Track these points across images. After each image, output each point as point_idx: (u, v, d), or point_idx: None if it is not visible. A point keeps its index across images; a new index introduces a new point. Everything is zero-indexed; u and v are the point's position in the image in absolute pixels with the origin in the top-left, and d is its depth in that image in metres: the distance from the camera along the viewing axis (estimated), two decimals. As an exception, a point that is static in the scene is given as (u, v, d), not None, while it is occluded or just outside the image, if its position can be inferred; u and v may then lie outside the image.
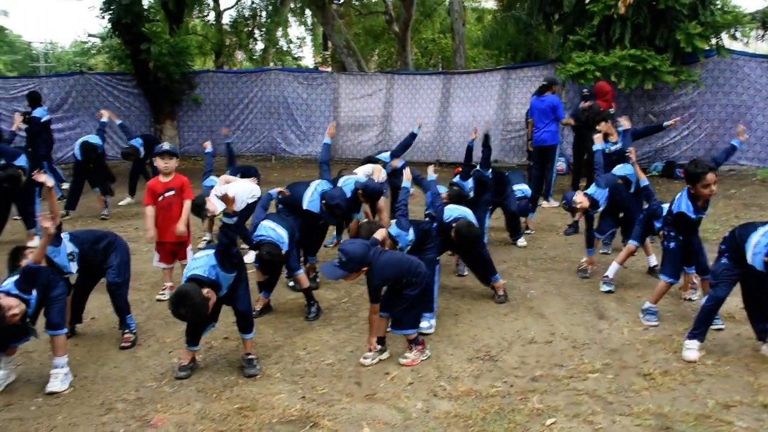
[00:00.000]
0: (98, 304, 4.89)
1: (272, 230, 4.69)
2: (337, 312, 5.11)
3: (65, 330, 3.91)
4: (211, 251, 3.81)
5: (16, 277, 3.69)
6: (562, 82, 11.54)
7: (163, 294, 5.38)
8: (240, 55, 25.84)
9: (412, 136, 7.49)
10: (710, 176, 4.40)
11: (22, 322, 3.63)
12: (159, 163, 5.25)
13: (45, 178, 4.13)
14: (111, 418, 3.43)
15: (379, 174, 6.40)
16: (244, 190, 6.09)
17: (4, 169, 6.93)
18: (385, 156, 7.75)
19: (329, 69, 21.63)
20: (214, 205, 5.76)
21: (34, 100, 10.51)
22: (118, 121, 9.90)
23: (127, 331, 4.46)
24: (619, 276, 5.69)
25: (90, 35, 28.28)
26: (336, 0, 19.11)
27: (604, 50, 10.89)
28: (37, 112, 10.28)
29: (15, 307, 3.51)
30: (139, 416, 3.44)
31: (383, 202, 7.02)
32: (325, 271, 4.00)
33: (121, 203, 9.79)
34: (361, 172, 6.54)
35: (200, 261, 3.76)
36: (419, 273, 4.09)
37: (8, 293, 3.57)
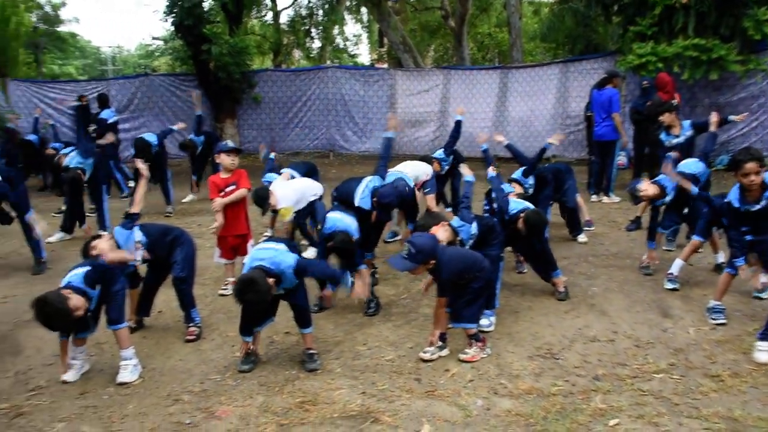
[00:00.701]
0: (165, 299, 5.02)
1: (340, 220, 4.81)
2: (397, 308, 5.13)
3: (125, 324, 4.05)
4: (277, 245, 3.90)
5: (84, 270, 3.82)
6: (623, 75, 11.26)
7: (225, 289, 5.51)
8: (297, 54, 26.14)
9: (458, 123, 7.51)
10: (750, 165, 4.22)
11: (85, 315, 3.78)
12: (225, 159, 5.37)
13: (141, 166, 4.36)
14: (178, 409, 3.53)
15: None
16: (307, 187, 6.19)
17: (66, 171, 7.28)
18: (439, 154, 7.75)
19: (385, 66, 21.68)
20: (277, 198, 5.90)
21: (103, 101, 10.91)
22: (198, 112, 10.15)
23: (192, 324, 4.59)
24: (684, 273, 5.52)
25: (154, 38, 29.16)
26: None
27: (666, 40, 10.55)
28: (105, 114, 10.66)
29: (81, 308, 3.67)
30: (204, 408, 3.53)
31: (432, 201, 7.01)
32: (393, 262, 4.04)
33: (184, 200, 10.05)
34: (409, 168, 6.55)
35: (266, 253, 3.84)
36: (483, 268, 4.09)
37: (75, 289, 3.72)
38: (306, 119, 15.53)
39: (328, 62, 23.78)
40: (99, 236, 4.42)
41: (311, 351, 4.05)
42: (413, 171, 6.55)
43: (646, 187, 5.53)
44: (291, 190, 6.12)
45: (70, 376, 3.94)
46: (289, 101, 15.55)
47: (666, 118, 7.23)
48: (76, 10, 67.09)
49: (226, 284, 5.54)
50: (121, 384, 3.86)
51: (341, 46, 26.99)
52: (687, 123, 7.23)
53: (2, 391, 3.87)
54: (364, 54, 33.28)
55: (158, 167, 9.11)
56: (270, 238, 4.47)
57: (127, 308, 4.31)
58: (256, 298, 3.65)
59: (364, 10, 23.63)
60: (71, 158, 7.48)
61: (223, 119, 14.93)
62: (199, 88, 14.99)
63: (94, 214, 7.99)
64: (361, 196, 5.42)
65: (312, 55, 24.90)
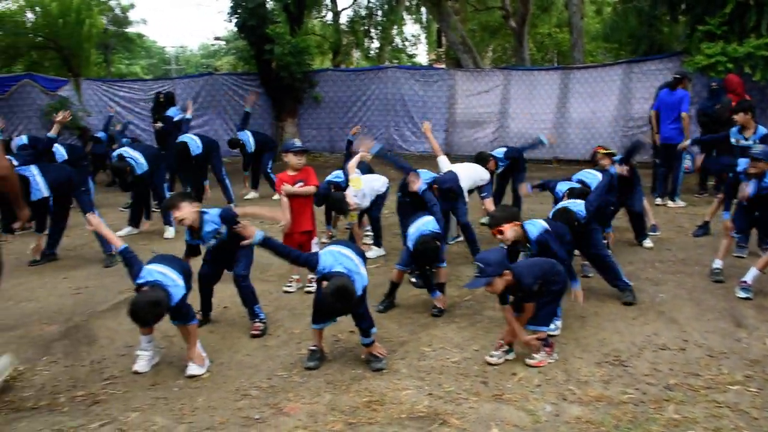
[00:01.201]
0: (230, 293, 5.09)
1: (426, 224, 4.90)
2: (461, 309, 5.10)
3: (196, 321, 4.14)
4: (354, 255, 3.93)
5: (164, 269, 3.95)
6: (689, 76, 10.93)
7: (290, 286, 5.58)
8: (356, 54, 26.30)
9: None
10: None
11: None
12: (293, 158, 5.44)
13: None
14: (246, 404, 3.59)
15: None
16: (374, 180, 6.27)
17: (120, 160, 7.58)
18: (498, 152, 7.69)
19: (443, 66, 21.61)
20: (353, 199, 5.96)
21: (170, 100, 11.18)
22: (247, 108, 10.35)
23: (257, 320, 4.66)
24: (758, 282, 5.32)
25: (216, 38, 29.80)
26: (452, -4, 19.04)
27: (737, 40, 10.19)
28: (171, 112, 10.93)
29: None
30: (272, 404, 3.58)
31: (490, 204, 6.95)
32: (470, 285, 4.03)
33: (246, 197, 10.24)
34: (464, 172, 6.52)
35: (348, 262, 3.87)
36: (559, 271, 4.05)
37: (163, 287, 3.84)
38: (365, 119, 15.60)
39: (387, 62, 23.87)
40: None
41: (378, 353, 4.06)
42: (469, 177, 6.51)
43: None
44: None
45: (141, 366, 4.05)
46: (348, 101, 15.67)
47: (740, 117, 6.99)
48: (144, 12, 69.33)
49: (291, 281, 5.61)
50: (191, 377, 3.94)
51: (400, 46, 27.01)
52: (763, 129, 6.98)
53: (79, 379, 4.01)
54: (422, 54, 33.26)
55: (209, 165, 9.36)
56: (339, 242, 4.48)
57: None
58: (347, 305, 3.71)
59: (423, 10, 23.65)
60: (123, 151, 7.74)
61: (284, 118, 15.15)
62: (261, 87, 15.30)
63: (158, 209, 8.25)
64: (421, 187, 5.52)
65: (370, 55, 25.01)
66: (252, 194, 10.52)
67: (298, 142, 5.52)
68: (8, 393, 3.84)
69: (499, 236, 4.44)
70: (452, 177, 5.58)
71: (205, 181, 9.35)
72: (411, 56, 29.25)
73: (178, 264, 4.12)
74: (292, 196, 5.43)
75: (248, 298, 4.68)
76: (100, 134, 11.64)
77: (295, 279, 5.60)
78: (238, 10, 13.98)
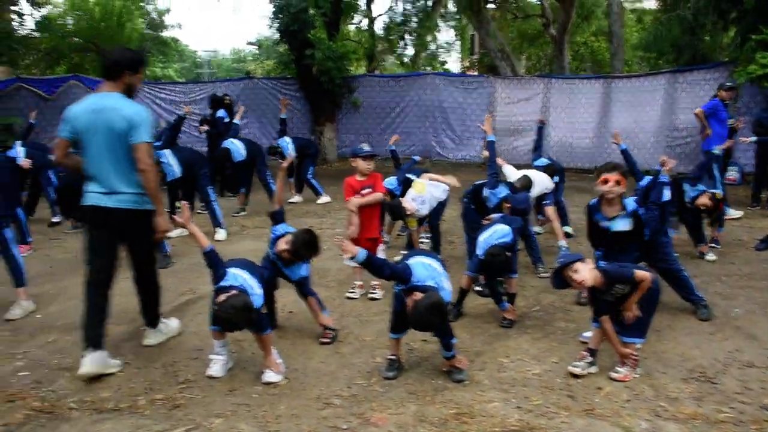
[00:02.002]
0: (294, 298, 5.03)
1: (496, 232, 4.78)
2: (530, 320, 4.98)
3: (270, 330, 4.07)
4: (437, 264, 3.85)
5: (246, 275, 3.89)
6: (737, 86, 10.70)
7: (353, 292, 5.50)
8: (390, 60, 26.26)
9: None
10: None
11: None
12: (361, 164, 5.37)
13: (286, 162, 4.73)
14: (331, 413, 3.50)
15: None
16: (434, 186, 6.19)
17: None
18: (542, 162, 7.61)
19: (475, 73, 21.52)
20: (412, 204, 5.88)
21: (217, 102, 11.19)
22: (282, 115, 10.33)
23: (327, 327, 4.57)
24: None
25: (249, 43, 30.00)
26: (490, 4, 18.95)
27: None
28: (221, 113, 10.95)
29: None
30: (357, 413, 3.49)
31: (552, 212, 6.84)
32: (560, 261, 3.99)
33: (290, 200, 10.21)
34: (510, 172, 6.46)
35: (434, 272, 3.78)
36: (654, 279, 3.94)
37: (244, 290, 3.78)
38: (403, 125, 15.54)
39: (421, 69, 23.80)
40: None
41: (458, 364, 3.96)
42: (537, 184, 6.41)
43: None
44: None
45: (215, 371, 3.99)
46: (387, 107, 15.62)
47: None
48: (179, 16, 70.49)
49: (353, 287, 5.53)
50: (268, 383, 3.87)
51: (434, 53, 26.95)
52: None
53: (154, 381, 3.96)
54: (454, 62, 33.17)
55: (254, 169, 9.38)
56: (425, 253, 4.39)
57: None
58: (439, 322, 3.61)
59: (458, 17, 23.58)
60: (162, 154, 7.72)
61: (322, 123, 15.14)
62: (299, 92, 15.31)
63: (206, 211, 8.23)
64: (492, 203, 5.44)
65: (405, 62, 24.95)
66: (297, 198, 10.49)
67: (366, 147, 5.44)
68: (87, 392, 3.80)
69: None
70: (525, 198, 5.55)
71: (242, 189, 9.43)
72: (442, 63, 29.18)
73: (257, 271, 4.06)
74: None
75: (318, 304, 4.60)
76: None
77: (357, 285, 5.52)
78: (281, 15, 13.98)
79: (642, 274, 3.85)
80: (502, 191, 5.66)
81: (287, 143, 10.10)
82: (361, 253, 3.66)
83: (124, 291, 5.77)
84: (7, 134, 12.05)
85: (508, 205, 5.47)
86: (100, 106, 3.98)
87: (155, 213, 4.16)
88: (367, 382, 3.89)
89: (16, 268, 5.27)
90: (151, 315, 4.55)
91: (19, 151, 8.32)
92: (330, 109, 15.22)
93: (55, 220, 8.93)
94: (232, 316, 3.60)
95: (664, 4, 18.60)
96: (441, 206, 6.54)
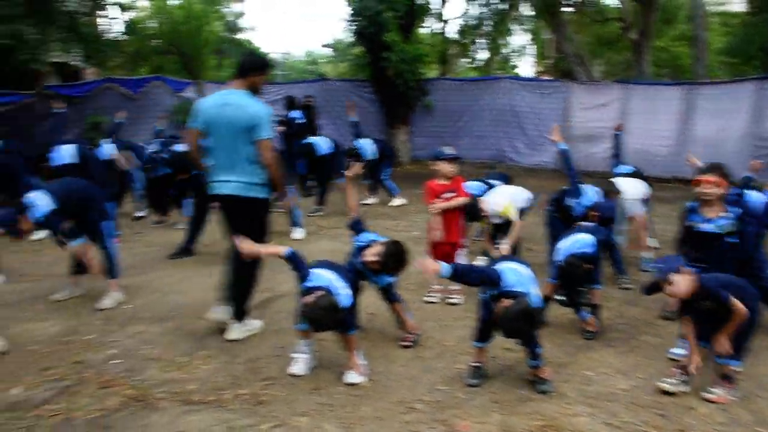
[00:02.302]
0: (374, 300, 5.03)
1: (578, 241, 4.67)
2: (614, 333, 4.82)
3: (355, 330, 4.05)
4: (526, 271, 3.77)
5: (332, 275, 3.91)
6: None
7: (431, 296, 5.46)
8: (462, 64, 26.10)
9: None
10: None
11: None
12: (445, 167, 5.33)
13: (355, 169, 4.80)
14: (414, 418, 3.48)
15: None
16: (518, 193, 6.10)
17: None
18: (625, 169, 7.38)
19: (547, 78, 21.13)
20: (490, 207, 5.81)
21: (291, 103, 11.36)
22: (353, 118, 10.38)
23: (407, 331, 4.56)
24: None
25: (324, 45, 30.34)
26: (568, 7, 18.57)
27: None
28: (294, 114, 11.11)
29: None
30: (440, 420, 3.45)
31: (643, 221, 6.62)
32: (658, 272, 3.83)
33: (365, 202, 10.26)
34: (631, 188, 6.23)
35: (527, 279, 3.72)
36: (752, 294, 3.74)
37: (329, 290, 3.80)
38: (476, 129, 15.41)
39: (494, 73, 23.55)
40: None
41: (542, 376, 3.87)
42: (634, 191, 6.23)
43: None
44: (502, 196, 6.05)
45: (298, 369, 4.03)
46: (459, 110, 15.53)
47: None
48: (254, 19, 72.22)
49: (431, 291, 5.49)
50: (350, 384, 3.88)
51: (507, 57, 26.64)
52: None
53: (238, 376, 4.02)
54: (526, 66, 32.68)
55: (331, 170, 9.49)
56: (513, 258, 4.32)
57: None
58: (527, 329, 3.55)
59: (533, 20, 23.24)
60: None
61: (396, 126, 15.18)
62: (374, 94, 15.39)
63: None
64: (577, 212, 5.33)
65: (477, 65, 24.77)
66: (371, 200, 10.54)
67: (449, 150, 5.39)
68: (175, 384, 3.90)
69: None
70: (613, 206, 5.43)
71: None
72: (513, 67, 28.80)
73: (344, 271, 4.07)
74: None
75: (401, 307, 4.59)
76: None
77: (436, 289, 5.48)
78: (358, 18, 14.11)
79: (738, 306, 3.60)
80: (588, 199, 5.53)
81: (367, 144, 10.17)
82: (445, 268, 3.60)
83: (202, 286, 5.96)
84: (95, 132, 12.54)
85: (596, 213, 5.33)
86: (226, 101, 4.39)
87: (262, 201, 4.56)
88: (450, 388, 3.85)
89: (110, 260, 5.47)
90: (240, 307, 4.63)
91: (108, 148, 8.65)
92: (403, 111, 15.24)
93: (139, 214, 9.24)
94: (319, 317, 3.63)
95: (752, 6, 17.84)
96: (521, 212, 6.42)
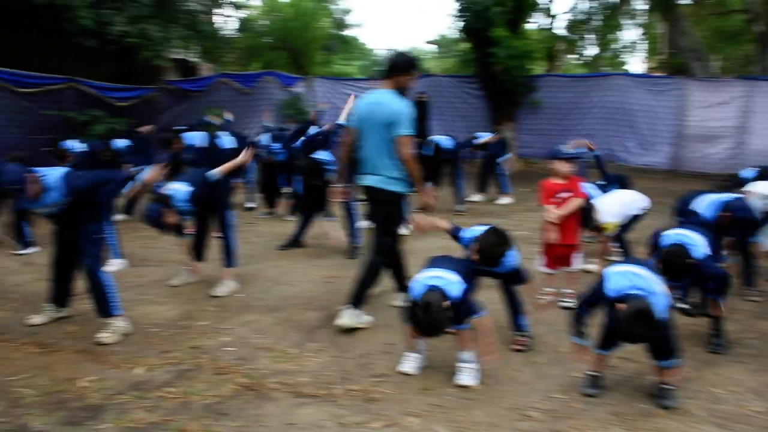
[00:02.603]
0: (488, 297, 4.91)
1: (686, 236, 4.38)
2: (744, 348, 4.48)
3: (469, 325, 3.92)
4: (646, 272, 3.56)
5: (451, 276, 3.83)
6: None
7: (542, 298, 5.28)
8: (569, 60, 25.38)
9: None
10: None
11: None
12: (561, 166, 5.14)
13: None
14: (529, 427, 3.35)
15: None
16: (633, 200, 5.80)
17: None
18: (749, 173, 6.92)
19: (660, 74, 20.14)
20: (600, 213, 5.57)
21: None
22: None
23: (520, 333, 4.42)
24: None
25: (428, 42, 30.26)
26: (687, -1, 17.63)
27: None
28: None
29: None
30: (557, 430, 3.31)
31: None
32: None
33: (470, 199, 10.16)
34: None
35: (643, 282, 3.52)
36: None
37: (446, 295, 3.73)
38: (584, 127, 14.86)
39: (602, 69, 22.74)
40: None
41: (667, 386, 3.63)
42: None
43: None
44: (616, 204, 5.78)
45: (409, 368, 3.99)
46: (567, 107, 15.05)
47: None
48: (361, 16, 73.48)
49: (544, 294, 5.32)
50: (461, 386, 3.80)
51: (617, 52, 25.63)
52: None
53: (348, 371, 4.03)
54: (635, 62, 31.39)
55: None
56: (631, 260, 4.11)
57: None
58: (646, 332, 3.36)
59: (646, 14, 22.22)
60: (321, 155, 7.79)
61: (502, 122, 14.88)
62: (480, 90, 15.18)
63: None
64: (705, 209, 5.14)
65: (585, 62, 24.00)
66: (477, 197, 10.43)
67: (567, 149, 5.21)
68: (286, 375, 3.95)
69: None
70: (747, 205, 5.07)
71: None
72: (622, 63, 27.67)
73: (459, 264, 3.99)
74: (558, 205, 5.13)
75: (517, 306, 4.45)
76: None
77: (549, 292, 5.31)
78: (466, 13, 13.95)
79: None
80: (720, 201, 5.18)
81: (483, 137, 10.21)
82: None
83: (311, 278, 6.04)
84: (211, 125, 13.06)
85: (728, 214, 4.97)
86: (375, 100, 4.66)
87: (406, 194, 4.80)
88: (566, 397, 3.69)
89: (229, 249, 5.65)
90: (359, 295, 4.72)
91: (228, 140, 8.97)
92: (509, 108, 14.94)
93: (249, 205, 9.53)
94: (426, 320, 3.58)
95: None
96: (633, 219, 6.09)
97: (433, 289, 3.69)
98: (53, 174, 4.37)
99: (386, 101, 4.58)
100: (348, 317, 4.65)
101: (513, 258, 4.30)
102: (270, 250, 7.11)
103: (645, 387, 3.77)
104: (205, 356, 4.23)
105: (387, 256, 4.81)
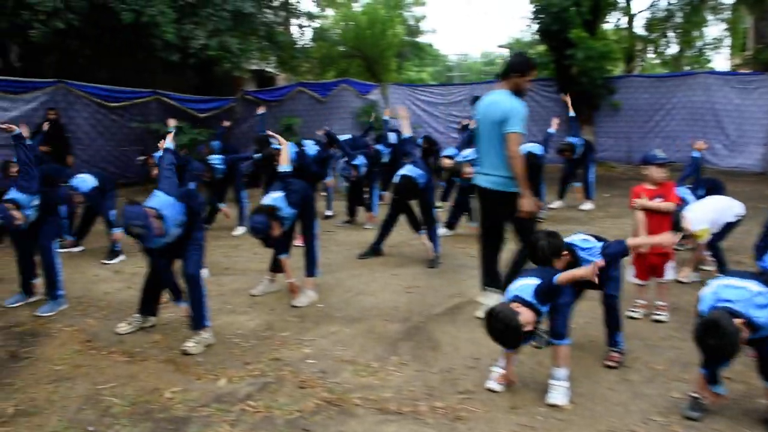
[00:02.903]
0: (587, 309, 4.72)
1: None
2: None
3: (569, 341, 3.76)
4: (753, 284, 3.27)
5: (534, 283, 3.64)
6: None
7: (635, 311, 5.01)
8: (649, 60, 24.49)
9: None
10: None
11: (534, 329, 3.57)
12: (655, 172, 4.88)
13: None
14: (627, 450, 3.16)
15: None
16: (727, 207, 5.46)
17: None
18: None
19: (746, 71, 19.15)
20: (689, 221, 5.26)
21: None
22: (571, 113, 10.18)
23: (614, 349, 4.19)
24: None
25: (500, 46, 29.99)
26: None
27: None
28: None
29: (530, 323, 3.47)
30: (658, 455, 3.11)
31: None
32: None
33: (551, 206, 9.89)
34: None
35: (737, 293, 3.24)
36: None
37: (525, 302, 3.55)
38: (668, 129, 14.33)
39: (685, 68, 21.83)
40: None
41: (780, 411, 3.36)
42: None
43: None
44: (707, 210, 5.45)
45: (496, 384, 3.84)
46: (650, 109, 14.54)
47: None
48: (434, 22, 73.72)
49: (636, 306, 5.05)
50: (552, 406, 3.62)
51: (700, 50, 24.52)
52: None
53: (433, 387, 3.91)
54: (719, 60, 29.97)
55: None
56: (734, 272, 3.83)
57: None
58: (719, 344, 3.10)
59: (731, 8, 21.18)
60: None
61: (581, 126, 14.48)
62: (558, 93, 14.80)
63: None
64: None
65: (665, 60, 23.06)
66: (557, 203, 10.14)
67: (660, 153, 4.93)
68: (369, 390, 3.87)
69: None
70: None
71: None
72: (707, 61, 26.46)
73: (548, 274, 3.82)
74: (648, 212, 4.87)
75: (614, 321, 4.21)
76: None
77: (640, 304, 5.04)
78: (542, 15, 13.67)
79: None
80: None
81: (581, 143, 10.00)
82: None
83: (391, 288, 5.96)
84: (289, 133, 13.25)
85: None
86: (489, 100, 4.78)
87: (520, 195, 4.70)
88: (666, 420, 3.45)
89: (312, 259, 5.65)
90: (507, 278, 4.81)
91: (312, 149, 9.07)
92: (588, 111, 14.53)
93: (327, 213, 9.57)
94: (496, 334, 3.44)
95: None
96: (728, 227, 5.72)
97: (723, 308, 3.26)
98: (164, 203, 4.43)
99: (500, 100, 4.67)
100: (488, 297, 4.85)
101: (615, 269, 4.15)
102: (349, 259, 7.08)
103: (754, 411, 3.49)
104: (287, 368, 4.20)
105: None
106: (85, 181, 7.04)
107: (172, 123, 6.31)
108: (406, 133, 7.36)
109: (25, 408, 3.71)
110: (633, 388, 3.84)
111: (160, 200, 4.47)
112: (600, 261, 3.72)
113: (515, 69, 4.72)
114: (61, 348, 4.58)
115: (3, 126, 5.56)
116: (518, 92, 4.73)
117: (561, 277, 3.59)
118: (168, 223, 4.38)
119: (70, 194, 6.93)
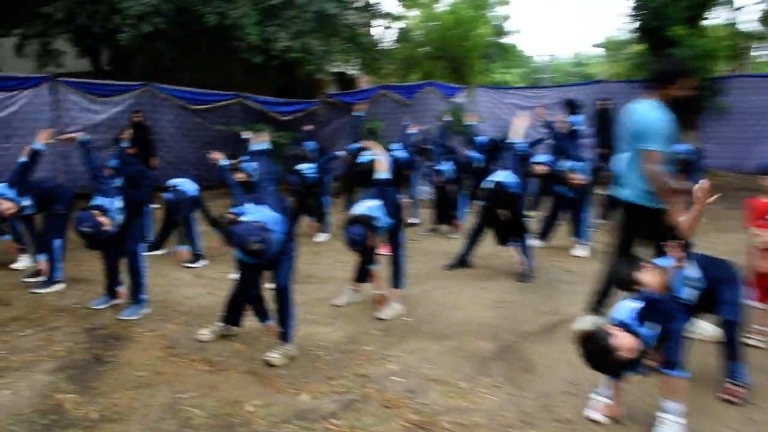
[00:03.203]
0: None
1: None
2: None
3: (685, 373, 3.35)
4: None
5: (635, 306, 3.28)
6: None
7: (751, 338, 4.50)
8: (760, 57, 23.02)
9: None
10: None
11: (637, 356, 3.20)
12: (770, 182, 4.41)
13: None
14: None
15: None
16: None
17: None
18: None
19: None
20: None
21: (573, 106, 10.65)
22: None
23: (733, 381, 3.74)
24: None
25: (594, 45, 28.94)
26: None
27: None
28: (573, 119, 10.40)
29: (627, 347, 3.11)
30: None
31: None
32: None
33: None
34: None
35: None
36: None
37: (625, 325, 3.19)
38: (780, 134, 13.27)
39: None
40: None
41: None
42: None
43: None
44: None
45: (599, 416, 3.48)
46: (760, 112, 13.48)
47: None
48: (519, 23, 72.48)
49: (751, 332, 4.53)
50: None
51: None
52: None
53: (528, 413, 3.60)
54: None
55: None
56: None
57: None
58: None
59: None
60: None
61: (684, 131, 13.65)
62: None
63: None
64: None
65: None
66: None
67: (782, 161, 4.43)
68: (459, 414, 3.60)
69: None
70: None
71: None
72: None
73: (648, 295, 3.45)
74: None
75: (731, 350, 3.75)
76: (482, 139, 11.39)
77: (759, 330, 4.53)
78: (642, 11, 12.97)
79: None
80: None
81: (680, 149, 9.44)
82: None
83: (480, 301, 5.66)
84: (373, 137, 13.13)
85: None
86: (631, 110, 4.47)
87: (663, 211, 4.28)
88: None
89: (398, 269, 5.44)
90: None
91: (399, 153, 8.89)
92: (692, 115, 13.65)
93: (412, 221, 9.32)
94: (588, 357, 3.14)
95: None
96: None
97: (620, 323, 3.18)
98: (271, 219, 4.26)
99: (639, 111, 4.35)
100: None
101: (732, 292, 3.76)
102: (436, 270, 6.80)
103: None
104: (371, 386, 3.99)
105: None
106: (188, 184, 7.17)
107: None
108: (518, 138, 6.77)
109: (108, 414, 3.65)
110: (757, 428, 3.40)
111: (266, 215, 4.27)
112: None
113: (657, 77, 4.34)
114: (143, 353, 4.54)
115: (64, 137, 5.66)
116: (667, 102, 4.30)
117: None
118: (274, 238, 4.19)
119: (180, 198, 7.08)
